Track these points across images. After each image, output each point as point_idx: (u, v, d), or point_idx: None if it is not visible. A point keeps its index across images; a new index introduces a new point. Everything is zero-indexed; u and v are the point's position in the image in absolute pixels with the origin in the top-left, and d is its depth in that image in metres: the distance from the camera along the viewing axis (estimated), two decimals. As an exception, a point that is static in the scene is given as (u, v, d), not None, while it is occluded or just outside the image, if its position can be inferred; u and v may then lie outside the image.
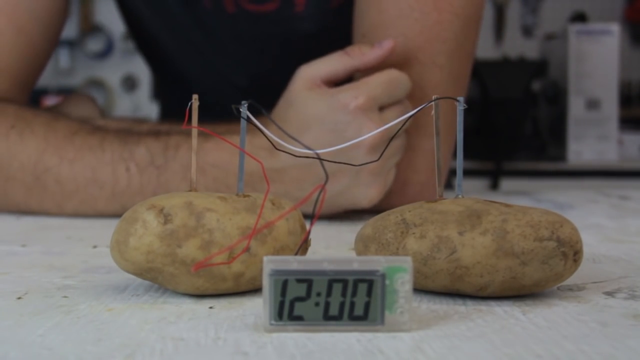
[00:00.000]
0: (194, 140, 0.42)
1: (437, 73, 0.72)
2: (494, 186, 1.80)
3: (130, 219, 0.39)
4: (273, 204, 0.42)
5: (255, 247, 0.40)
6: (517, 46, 2.65)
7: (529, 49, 2.57)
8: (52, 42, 0.82)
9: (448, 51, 0.72)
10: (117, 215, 0.67)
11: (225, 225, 0.39)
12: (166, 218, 0.39)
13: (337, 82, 0.68)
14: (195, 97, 0.42)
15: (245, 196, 0.42)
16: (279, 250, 0.41)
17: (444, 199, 0.41)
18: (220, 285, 0.40)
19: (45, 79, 2.36)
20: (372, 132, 0.45)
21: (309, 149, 0.42)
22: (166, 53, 0.96)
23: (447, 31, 0.71)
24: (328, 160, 0.42)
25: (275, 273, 0.33)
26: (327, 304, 0.34)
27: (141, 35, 0.98)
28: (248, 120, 0.41)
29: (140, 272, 0.39)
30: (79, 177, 0.69)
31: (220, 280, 0.39)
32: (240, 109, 0.41)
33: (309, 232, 0.40)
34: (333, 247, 0.57)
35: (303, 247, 0.42)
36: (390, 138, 0.47)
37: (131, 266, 0.39)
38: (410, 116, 0.42)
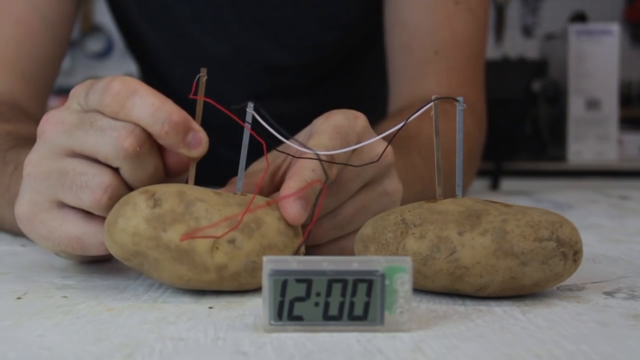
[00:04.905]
0: (198, 116, 0.42)
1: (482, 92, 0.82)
2: (494, 186, 1.80)
3: (122, 202, 0.39)
4: (268, 204, 0.42)
5: (240, 240, 0.40)
6: (517, 46, 2.65)
7: (529, 49, 2.57)
8: (59, 34, 0.79)
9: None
10: None
11: (213, 215, 0.39)
12: (156, 202, 0.39)
13: None
14: (203, 70, 0.42)
15: (242, 195, 0.42)
16: (266, 248, 0.40)
17: (444, 199, 0.41)
18: (203, 276, 0.39)
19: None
20: (374, 138, 0.45)
21: (310, 149, 0.42)
22: (152, 51, 0.94)
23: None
24: (328, 162, 0.42)
25: (275, 273, 0.33)
26: (327, 304, 0.34)
27: (129, 31, 0.97)
28: (246, 120, 0.41)
29: (127, 257, 0.39)
30: None
31: (202, 270, 0.39)
32: (247, 110, 0.41)
33: (307, 233, 0.40)
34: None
35: (299, 250, 0.42)
36: (389, 141, 0.46)
37: (119, 249, 0.39)
38: (412, 114, 0.42)
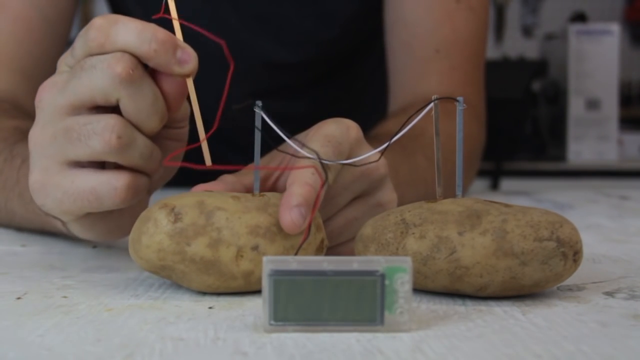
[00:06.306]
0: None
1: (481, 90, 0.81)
2: (494, 186, 1.80)
3: (143, 218, 0.40)
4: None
5: (263, 245, 0.40)
6: (517, 46, 2.65)
7: (529, 49, 2.57)
8: (58, 30, 0.78)
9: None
10: None
11: (234, 223, 0.39)
12: (176, 217, 0.39)
13: None
14: None
15: (260, 196, 0.42)
16: (289, 249, 0.41)
17: (444, 199, 0.41)
18: (230, 283, 0.40)
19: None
20: (374, 151, 0.44)
21: (312, 149, 0.42)
22: None
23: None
24: (328, 161, 0.42)
25: (275, 273, 0.33)
26: (327, 304, 0.34)
27: None
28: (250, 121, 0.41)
29: (155, 270, 0.40)
30: None
31: (230, 278, 0.40)
32: (255, 110, 0.41)
33: (307, 233, 0.40)
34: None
35: (319, 247, 0.42)
36: (388, 141, 0.46)
37: (146, 264, 0.40)
38: (414, 113, 0.42)
